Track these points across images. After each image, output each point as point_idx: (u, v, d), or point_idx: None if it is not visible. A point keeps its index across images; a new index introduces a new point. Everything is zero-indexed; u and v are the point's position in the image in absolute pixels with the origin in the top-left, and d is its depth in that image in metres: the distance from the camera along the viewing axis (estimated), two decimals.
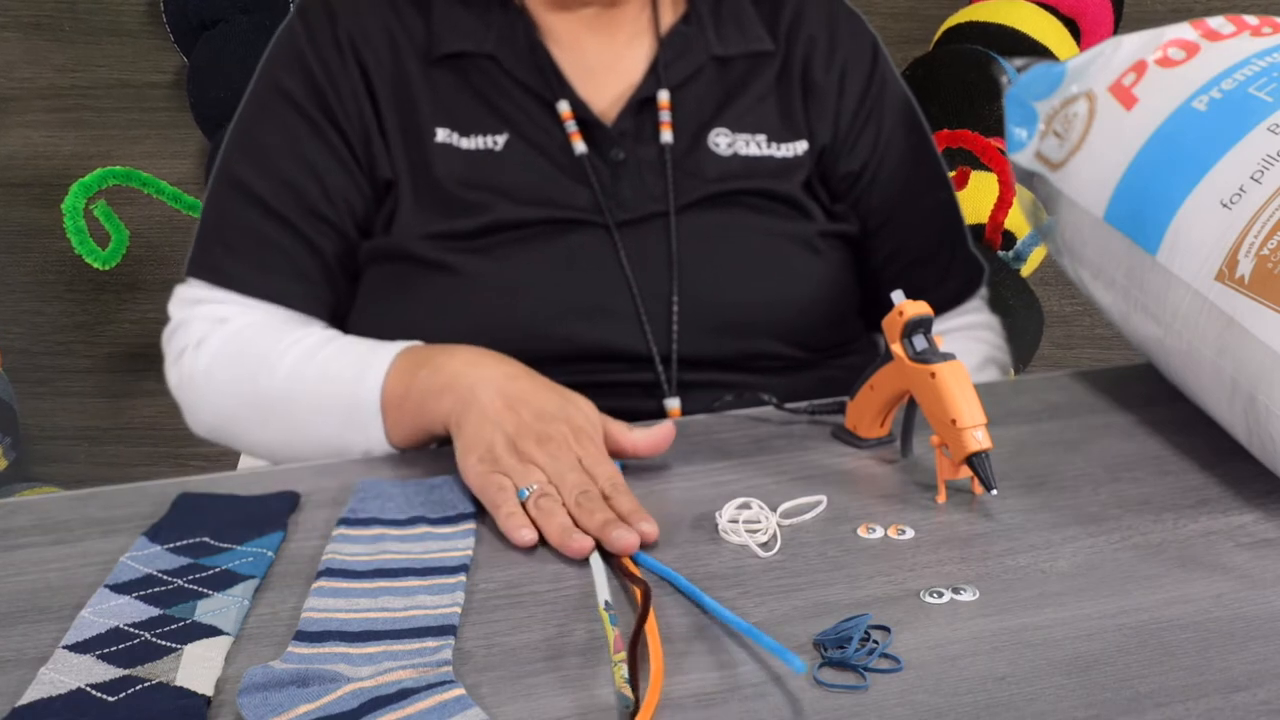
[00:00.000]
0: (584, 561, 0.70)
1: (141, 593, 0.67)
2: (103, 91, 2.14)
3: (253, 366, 0.93)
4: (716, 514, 0.74)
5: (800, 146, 1.04)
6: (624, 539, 0.70)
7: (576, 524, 0.72)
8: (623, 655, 0.59)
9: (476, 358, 0.85)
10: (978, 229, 1.66)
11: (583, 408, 0.81)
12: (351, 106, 0.99)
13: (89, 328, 2.25)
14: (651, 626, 0.61)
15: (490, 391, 0.81)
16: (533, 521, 0.73)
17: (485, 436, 0.78)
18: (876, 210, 1.07)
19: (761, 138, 1.03)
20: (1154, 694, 0.56)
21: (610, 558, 0.70)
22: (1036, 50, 1.82)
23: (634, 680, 0.57)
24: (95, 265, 1.70)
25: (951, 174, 1.44)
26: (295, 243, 0.98)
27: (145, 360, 2.21)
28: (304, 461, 0.89)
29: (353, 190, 0.99)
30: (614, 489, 0.75)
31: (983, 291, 1.11)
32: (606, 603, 0.64)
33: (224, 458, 2.23)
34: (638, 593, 0.64)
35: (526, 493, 0.74)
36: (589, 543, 0.70)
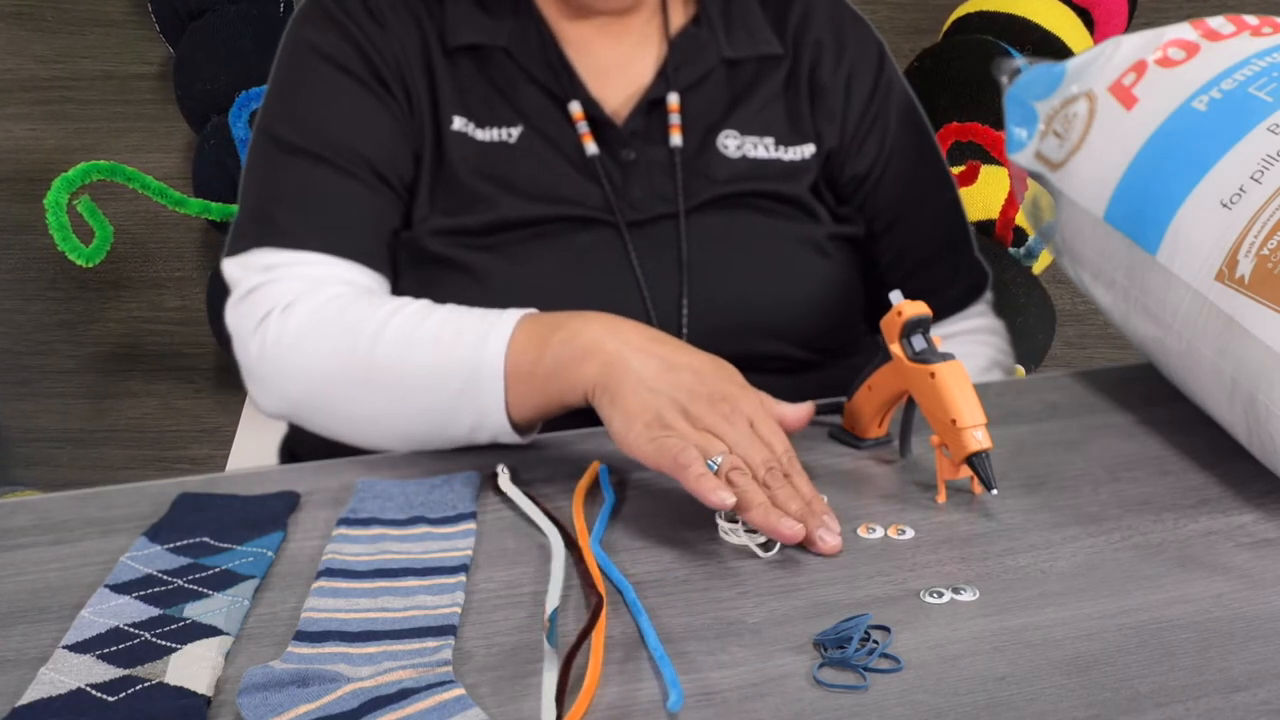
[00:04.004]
0: (579, 559, 0.69)
1: (141, 593, 0.67)
2: (86, 83, 2.12)
3: (351, 333, 0.87)
4: (717, 515, 0.74)
5: (807, 150, 1.04)
6: (828, 542, 0.70)
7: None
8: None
9: (614, 323, 0.82)
10: (988, 225, 1.65)
11: (731, 370, 0.80)
12: (394, 73, 0.99)
13: (72, 326, 2.22)
14: (597, 638, 0.60)
15: (641, 356, 0.78)
16: None
17: (650, 403, 0.75)
18: (882, 213, 1.07)
19: (769, 140, 1.03)
20: (1154, 694, 0.56)
21: (578, 551, 0.70)
22: (1048, 41, 1.80)
23: (561, 693, 0.56)
24: (79, 262, 1.67)
25: (961, 168, 1.43)
26: (365, 201, 0.96)
27: (130, 360, 2.19)
28: (394, 443, 0.87)
29: (403, 154, 0.98)
30: (791, 465, 0.74)
31: (987, 295, 1.11)
32: (553, 615, 0.63)
33: (212, 460, 2.23)
34: (592, 601, 0.64)
35: (714, 465, 0.71)
36: (802, 529, 0.69)
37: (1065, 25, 1.85)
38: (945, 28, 1.95)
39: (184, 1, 1.94)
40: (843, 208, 1.06)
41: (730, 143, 1.02)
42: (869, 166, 1.06)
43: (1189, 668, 0.58)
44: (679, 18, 1.06)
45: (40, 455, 2.29)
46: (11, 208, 2.15)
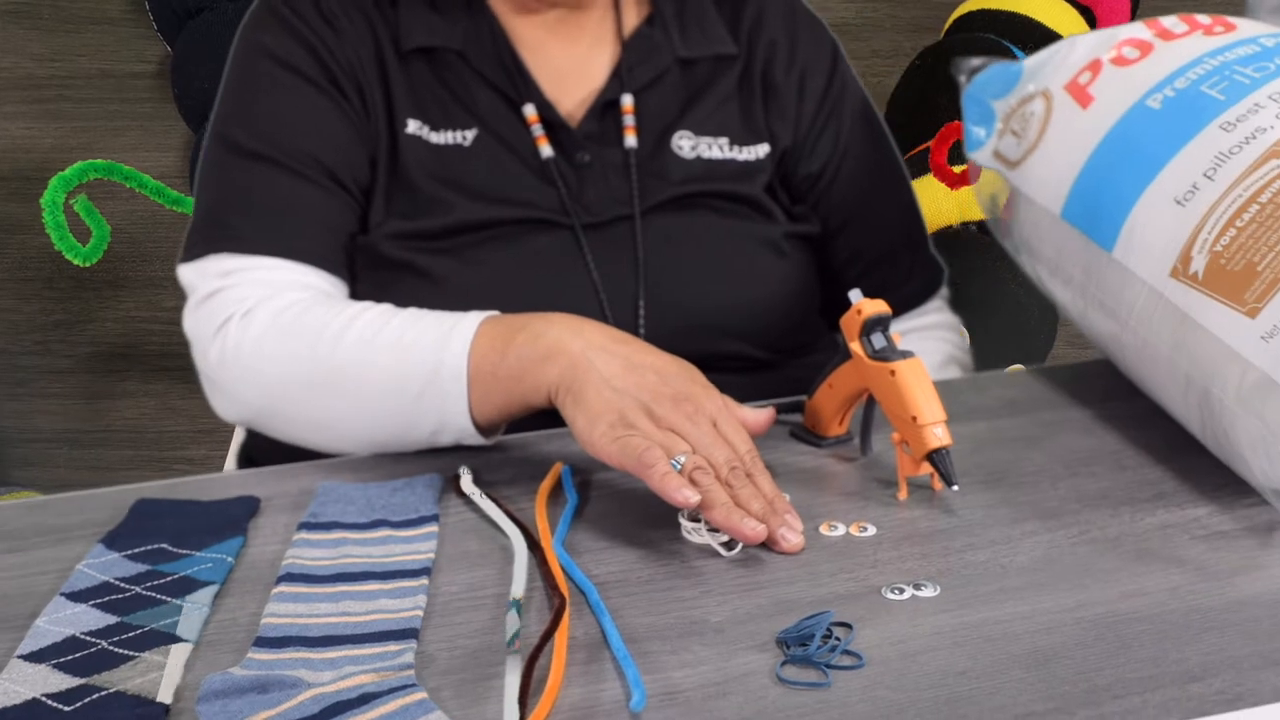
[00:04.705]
0: (542, 560, 0.69)
1: (98, 600, 0.66)
2: (83, 82, 2.10)
3: (310, 337, 0.86)
4: (679, 514, 0.74)
5: (762, 149, 1.04)
6: (791, 541, 0.70)
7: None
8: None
9: (577, 324, 0.81)
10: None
11: (694, 370, 0.80)
12: (348, 76, 0.98)
13: (69, 326, 2.20)
14: (560, 640, 0.60)
15: (604, 356, 0.78)
16: None
17: (614, 403, 0.75)
18: (836, 211, 1.07)
19: (724, 141, 1.03)
20: (1112, 686, 0.57)
21: (541, 553, 0.70)
22: (1051, 39, 1.80)
23: (524, 695, 0.56)
24: (75, 262, 1.66)
25: (962, 167, 1.43)
26: (321, 205, 0.95)
27: (127, 360, 2.18)
28: (356, 447, 0.86)
29: (359, 157, 0.97)
30: (754, 464, 0.75)
31: (944, 292, 1.12)
32: (518, 601, 0.63)
33: (210, 460, 2.21)
34: (554, 601, 0.64)
35: (678, 464, 0.71)
36: (763, 529, 0.69)
37: (1067, 23, 1.85)
38: (947, 26, 1.94)
39: (181, 0, 1.92)
40: (798, 207, 1.06)
41: (685, 143, 1.02)
42: (822, 165, 1.06)
43: (1146, 659, 0.59)
44: (633, 18, 1.06)
45: (37, 456, 2.27)
46: (8, 207, 2.14)
